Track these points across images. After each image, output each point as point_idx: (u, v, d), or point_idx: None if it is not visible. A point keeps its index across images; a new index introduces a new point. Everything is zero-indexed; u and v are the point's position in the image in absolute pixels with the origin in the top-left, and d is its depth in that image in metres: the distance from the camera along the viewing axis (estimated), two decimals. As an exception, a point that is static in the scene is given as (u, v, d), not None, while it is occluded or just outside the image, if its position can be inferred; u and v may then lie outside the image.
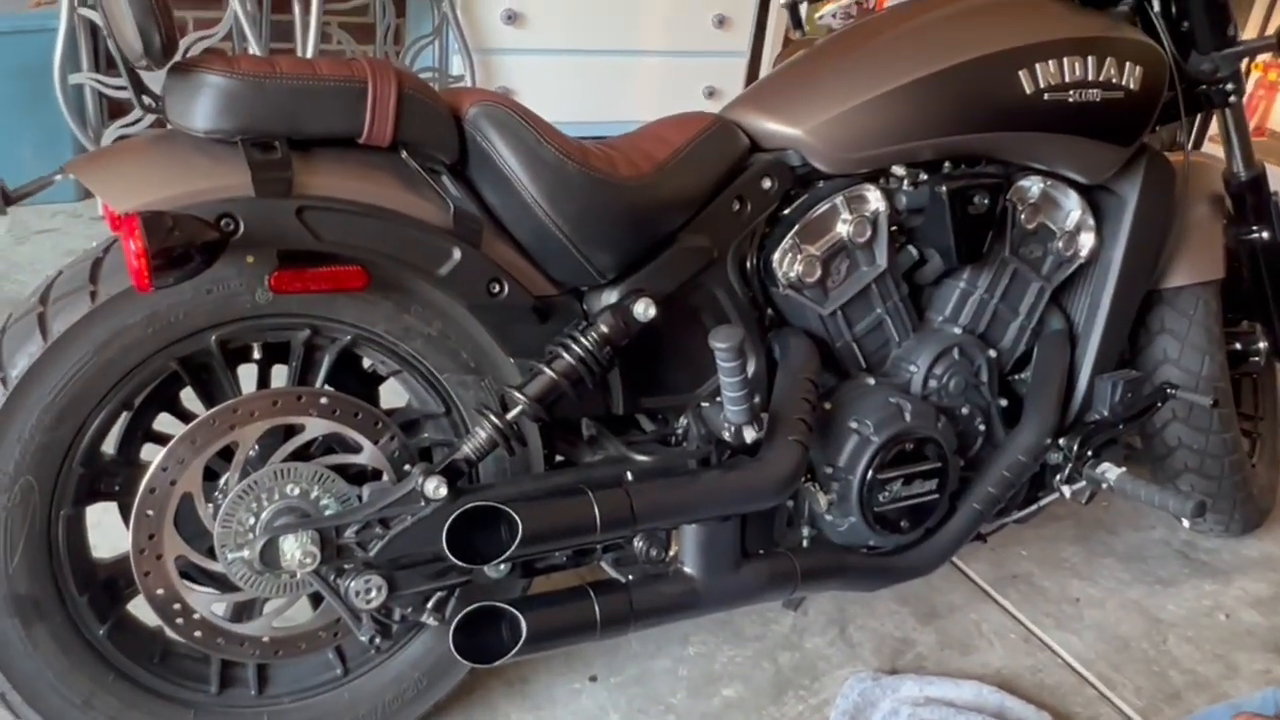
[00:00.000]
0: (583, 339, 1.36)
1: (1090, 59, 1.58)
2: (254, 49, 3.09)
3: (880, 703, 1.66)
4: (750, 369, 1.51)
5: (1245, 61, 1.84)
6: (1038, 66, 1.55)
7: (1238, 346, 2.11)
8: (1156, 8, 1.73)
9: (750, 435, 1.39)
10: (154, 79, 1.22)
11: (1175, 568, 2.13)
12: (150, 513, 1.25)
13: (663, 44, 3.67)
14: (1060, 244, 1.72)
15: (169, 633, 1.33)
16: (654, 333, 1.43)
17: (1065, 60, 1.57)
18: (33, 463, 1.21)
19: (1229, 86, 1.83)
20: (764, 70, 3.83)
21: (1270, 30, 3.95)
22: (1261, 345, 2.11)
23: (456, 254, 1.29)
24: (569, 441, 1.51)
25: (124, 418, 1.34)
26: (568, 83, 3.57)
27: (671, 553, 1.45)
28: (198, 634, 1.31)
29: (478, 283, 1.32)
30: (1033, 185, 1.68)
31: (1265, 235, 1.98)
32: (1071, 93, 1.58)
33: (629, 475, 1.38)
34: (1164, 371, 1.93)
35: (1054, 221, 1.71)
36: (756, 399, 1.42)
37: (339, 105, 1.22)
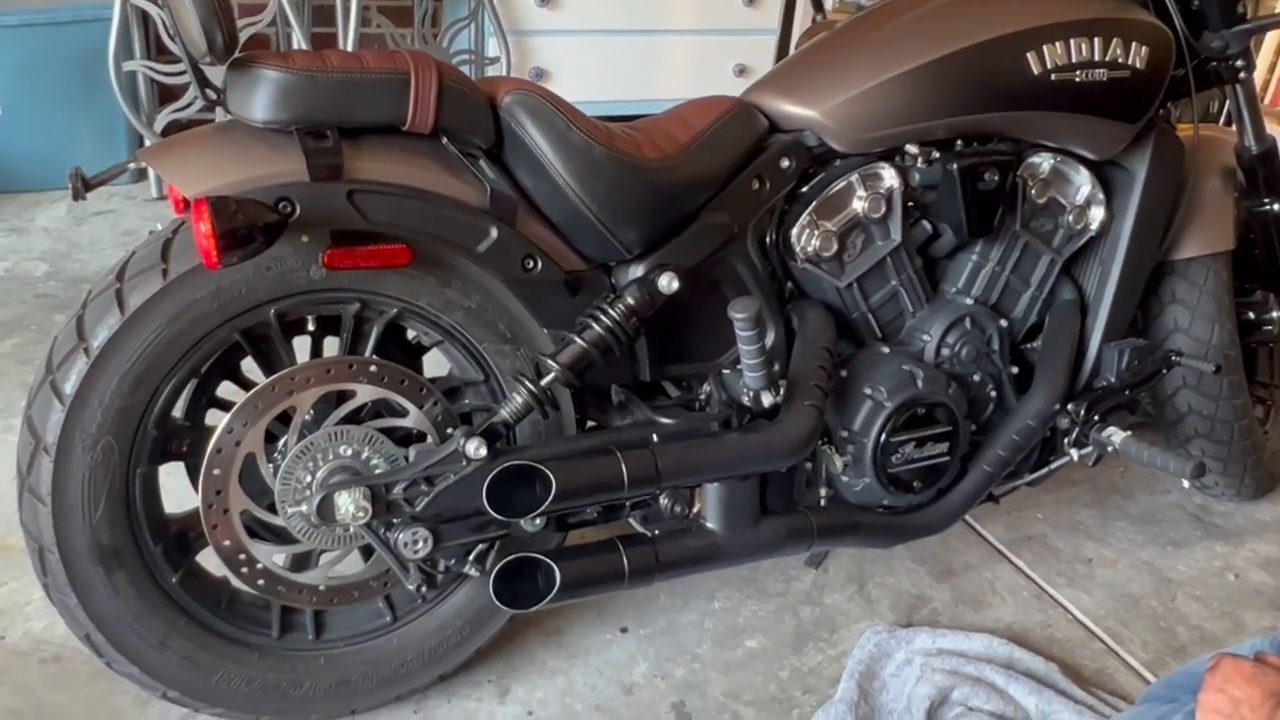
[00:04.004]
0: (611, 310, 1.45)
1: (1096, 40, 1.64)
2: (297, 34, 3.21)
3: (895, 654, 1.75)
4: (768, 338, 1.60)
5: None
6: (1045, 48, 1.62)
7: (1251, 316, 2.16)
8: (1167, -14, 1.79)
9: (768, 400, 1.48)
10: (214, 72, 1.33)
11: (1187, 530, 2.20)
12: (217, 471, 1.37)
13: (693, 23, 3.74)
14: (1070, 218, 1.79)
15: (234, 581, 1.46)
16: (678, 304, 1.52)
17: (1072, 42, 1.63)
18: (112, 425, 1.33)
19: (1239, 63, 1.89)
20: (792, 48, 3.89)
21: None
22: (1274, 314, 2.16)
23: (494, 232, 1.38)
24: (599, 406, 1.61)
25: (191, 385, 1.46)
26: (600, 63, 3.65)
27: (695, 510, 1.55)
28: (260, 582, 1.43)
29: (513, 259, 1.41)
30: (1043, 161, 1.74)
31: (1277, 207, 2.03)
32: (1078, 73, 1.65)
33: (654, 437, 1.47)
34: (1174, 340, 1.99)
35: (1064, 196, 1.78)
36: (775, 366, 1.51)
37: (384, 96, 1.32)
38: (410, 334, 1.59)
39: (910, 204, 1.67)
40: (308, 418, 1.42)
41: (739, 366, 1.48)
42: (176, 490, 1.51)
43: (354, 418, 1.43)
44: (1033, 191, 1.74)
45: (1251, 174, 2.02)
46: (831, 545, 1.70)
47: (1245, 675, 1.06)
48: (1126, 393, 1.82)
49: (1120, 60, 1.67)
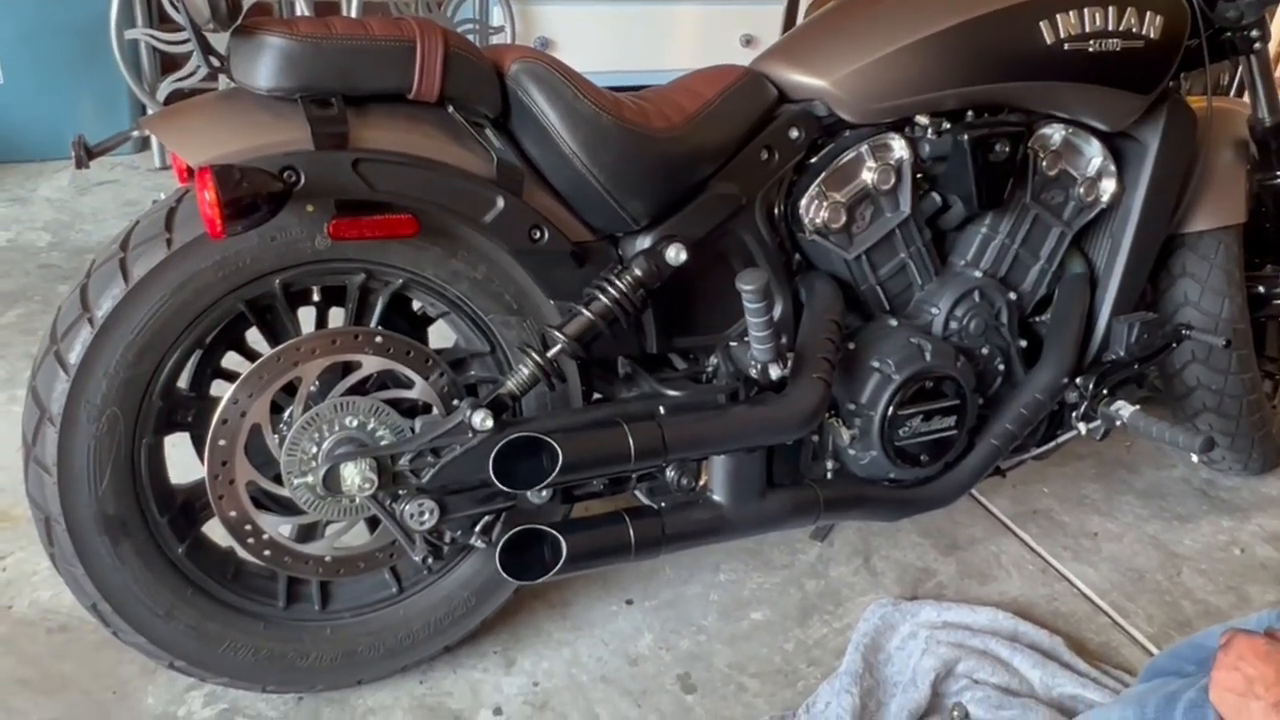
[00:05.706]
0: (618, 282, 1.44)
1: (1110, 9, 1.62)
2: (300, 1, 3.18)
3: (899, 626, 1.76)
4: (776, 310, 1.59)
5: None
6: (1058, 17, 1.60)
7: (1261, 290, 2.14)
8: (1182, -45, 1.76)
9: (775, 372, 1.48)
10: (217, 40, 1.31)
11: (1194, 505, 2.20)
12: (223, 442, 1.36)
13: (700, -8, 3.70)
14: (1081, 190, 1.77)
15: (240, 552, 1.45)
16: (685, 276, 1.51)
17: (1085, 10, 1.61)
18: (117, 395, 1.32)
19: (1254, 33, 1.86)
20: (801, 17, 3.84)
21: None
22: (1285, 288, 2.15)
23: (500, 202, 1.37)
24: (605, 379, 1.60)
25: (195, 355, 1.45)
26: (606, 32, 3.61)
27: (701, 482, 1.55)
28: (266, 553, 1.42)
29: (520, 229, 1.40)
30: (1054, 133, 1.73)
31: (1289, 180, 2.01)
32: (1091, 42, 1.62)
33: (661, 409, 1.47)
34: (1184, 314, 1.98)
35: (1075, 168, 1.76)
36: (782, 338, 1.50)
37: (390, 63, 1.30)
38: (416, 305, 1.58)
39: (920, 175, 1.65)
40: (313, 389, 1.41)
41: (746, 339, 1.47)
42: (182, 461, 1.50)
43: (360, 389, 1.43)
44: (1043, 163, 1.72)
45: (1264, 147, 2.01)
46: (837, 518, 1.70)
47: (1259, 652, 1.05)
48: (1135, 367, 1.82)
49: (1134, 30, 1.65)
